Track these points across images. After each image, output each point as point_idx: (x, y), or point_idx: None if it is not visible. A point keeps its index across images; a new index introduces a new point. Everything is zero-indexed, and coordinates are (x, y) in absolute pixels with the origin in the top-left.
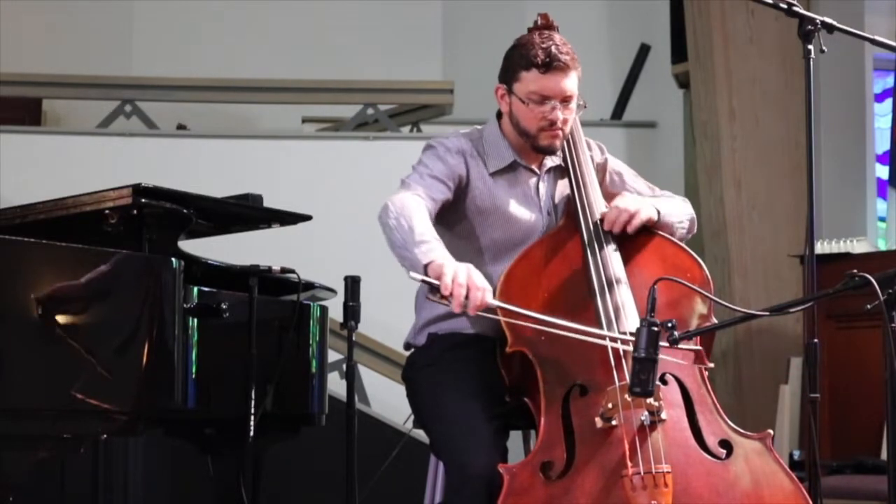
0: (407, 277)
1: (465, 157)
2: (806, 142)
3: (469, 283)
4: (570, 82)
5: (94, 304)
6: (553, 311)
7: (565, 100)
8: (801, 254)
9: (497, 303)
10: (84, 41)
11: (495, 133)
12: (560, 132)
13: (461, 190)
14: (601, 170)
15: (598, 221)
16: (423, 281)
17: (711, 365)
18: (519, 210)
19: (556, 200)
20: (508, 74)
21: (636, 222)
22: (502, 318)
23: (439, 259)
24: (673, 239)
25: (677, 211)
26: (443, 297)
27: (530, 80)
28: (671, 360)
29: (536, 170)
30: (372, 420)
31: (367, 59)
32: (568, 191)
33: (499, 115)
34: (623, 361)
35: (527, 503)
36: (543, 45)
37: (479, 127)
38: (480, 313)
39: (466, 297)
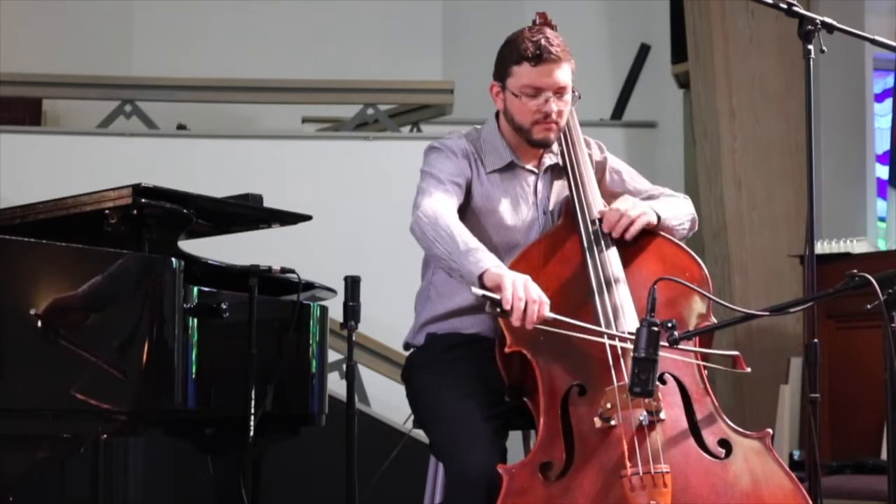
0: (407, 277)
1: (468, 158)
2: (806, 142)
3: (527, 296)
4: (563, 73)
5: (94, 304)
6: (552, 311)
7: (559, 91)
8: (801, 254)
9: (553, 315)
10: (84, 41)
11: (493, 133)
12: (555, 125)
13: (466, 191)
14: (601, 168)
15: (598, 221)
16: (484, 296)
17: (748, 370)
18: (517, 209)
19: (554, 200)
20: (501, 71)
21: (635, 229)
22: (559, 331)
23: (493, 268)
24: (671, 238)
25: (678, 212)
26: (503, 310)
27: (522, 74)
28: (678, 358)
29: (535, 169)
30: (372, 420)
31: (367, 59)
32: (566, 190)
33: (497, 114)
34: (622, 361)
35: (526, 503)
36: (533, 39)
37: (477, 127)
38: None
39: (524, 311)
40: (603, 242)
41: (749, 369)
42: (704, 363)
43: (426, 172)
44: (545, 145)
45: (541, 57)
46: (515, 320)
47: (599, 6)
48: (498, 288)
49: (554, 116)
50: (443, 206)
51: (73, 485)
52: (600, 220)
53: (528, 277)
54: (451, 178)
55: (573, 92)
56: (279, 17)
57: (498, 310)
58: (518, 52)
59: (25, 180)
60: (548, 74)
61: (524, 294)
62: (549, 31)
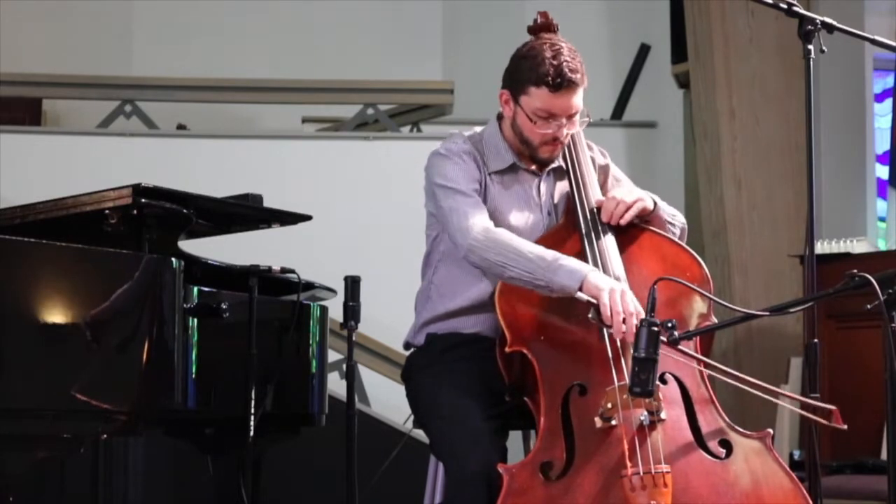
0: (407, 277)
1: (475, 160)
2: (806, 142)
3: (624, 308)
4: (578, 98)
5: (93, 304)
6: (552, 311)
7: (570, 116)
8: (801, 254)
9: None
10: (84, 41)
11: (495, 135)
12: (560, 145)
13: None
14: (603, 172)
15: (597, 216)
16: (589, 303)
17: (845, 426)
18: (520, 211)
19: (557, 200)
20: (516, 85)
21: (631, 213)
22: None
23: (590, 277)
24: (671, 237)
25: (671, 210)
26: (602, 321)
27: (539, 97)
28: (679, 359)
29: (537, 171)
30: (372, 420)
31: (367, 59)
32: (567, 190)
33: (499, 115)
34: (622, 361)
35: (526, 503)
36: (555, 62)
37: (478, 129)
38: None
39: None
40: (604, 240)
41: (846, 426)
42: (797, 409)
43: (445, 187)
44: (548, 163)
45: (561, 85)
46: (616, 334)
47: (599, 6)
48: (595, 298)
49: (562, 139)
50: (486, 222)
51: (73, 485)
52: (598, 209)
53: (624, 287)
54: (472, 187)
55: (583, 115)
56: (279, 17)
57: (598, 317)
58: (538, 73)
59: (25, 180)
60: (565, 101)
61: (622, 307)
62: (566, 50)
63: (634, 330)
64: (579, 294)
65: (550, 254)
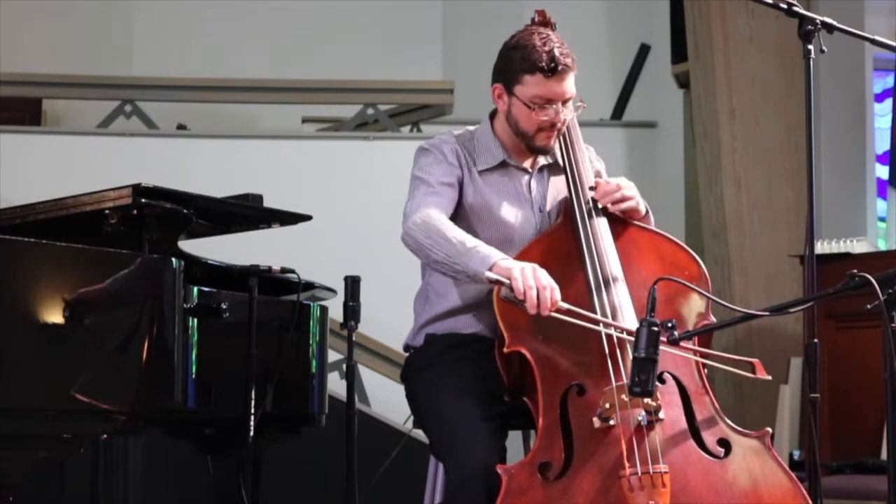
0: (407, 277)
1: (458, 159)
2: (806, 142)
3: (537, 283)
4: (571, 83)
5: (93, 303)
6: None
7: (565, 101)
8: (801, 254)
9: (567, 305)
10: (84, 41)
11: (487, 133)
12: (557, 132)
13: (458, 191)
14: (597, 174)
15: (592, 201)
16: (498, 282)
17: (769, 377)
18: (511, 208)
19: (550, 198)
20: (509, 76)
21: (625, 205)
22: (570, 319)
23: (501, 261)
24: (669, 235)
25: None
26: (517, 299)
27: (534, 84)
28: (691, 357)
29: (529, 168)
30: (372, 420)
31: (367, 59)
32: (562, 187)
33: (491, 114)
34: (620, 361)
35: (525, 503)
36: (546, 49)
37: (470, 128)
38: (553, 314)
39: (538, 298)
40: (598, 232)
41: (770, 377)
42: (722, 366)
43: (416, 178)
44: (545, 152)
45: (556, 69)
46: (531, 308)
47: (599, 6)
48: (507, 279)
49: (559, 125)
50: (431, 210)
51: (73, 485)
52: (593, 189)
53: (535, 265)
54: (440, 181)
55: (576, 101)
56: (279, 17)
57: (513, 295)
58: (531, 61)
59: (25, 180)
60: (560, 86)
61: (534, 282)
62: (555, 37)
63: (550, 304)
64: (488, 273)
65: (472, 240)
